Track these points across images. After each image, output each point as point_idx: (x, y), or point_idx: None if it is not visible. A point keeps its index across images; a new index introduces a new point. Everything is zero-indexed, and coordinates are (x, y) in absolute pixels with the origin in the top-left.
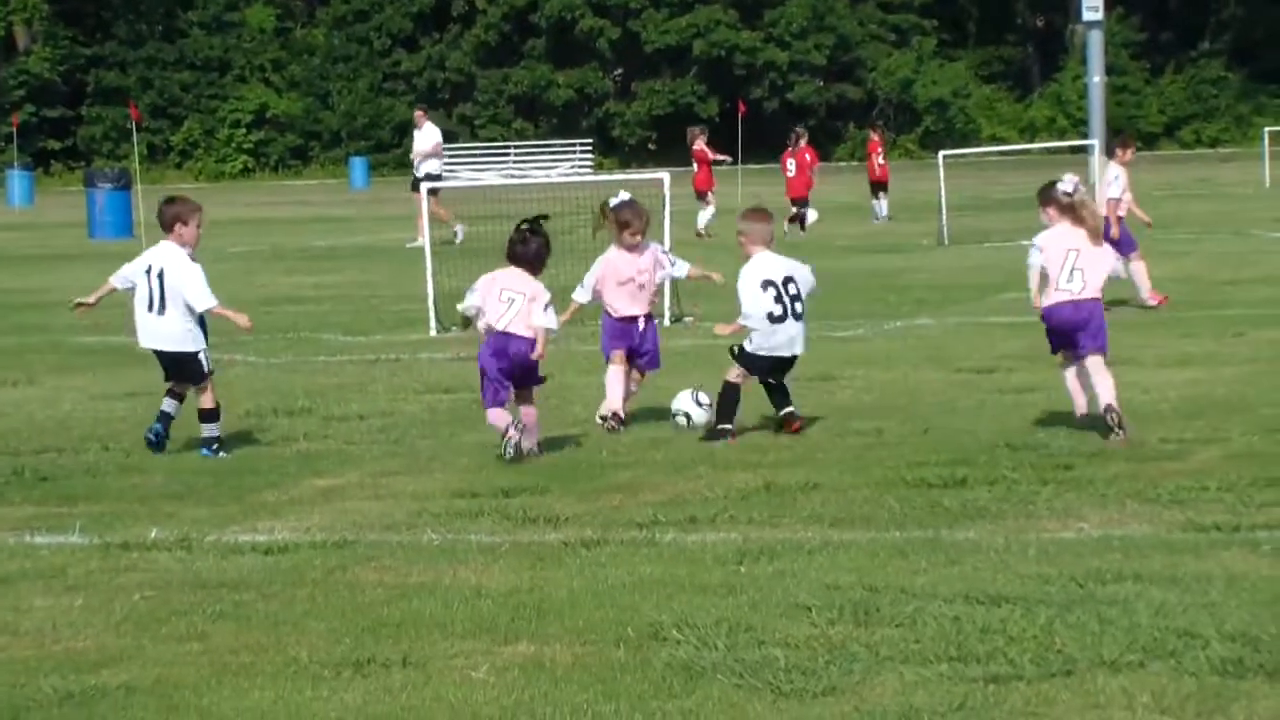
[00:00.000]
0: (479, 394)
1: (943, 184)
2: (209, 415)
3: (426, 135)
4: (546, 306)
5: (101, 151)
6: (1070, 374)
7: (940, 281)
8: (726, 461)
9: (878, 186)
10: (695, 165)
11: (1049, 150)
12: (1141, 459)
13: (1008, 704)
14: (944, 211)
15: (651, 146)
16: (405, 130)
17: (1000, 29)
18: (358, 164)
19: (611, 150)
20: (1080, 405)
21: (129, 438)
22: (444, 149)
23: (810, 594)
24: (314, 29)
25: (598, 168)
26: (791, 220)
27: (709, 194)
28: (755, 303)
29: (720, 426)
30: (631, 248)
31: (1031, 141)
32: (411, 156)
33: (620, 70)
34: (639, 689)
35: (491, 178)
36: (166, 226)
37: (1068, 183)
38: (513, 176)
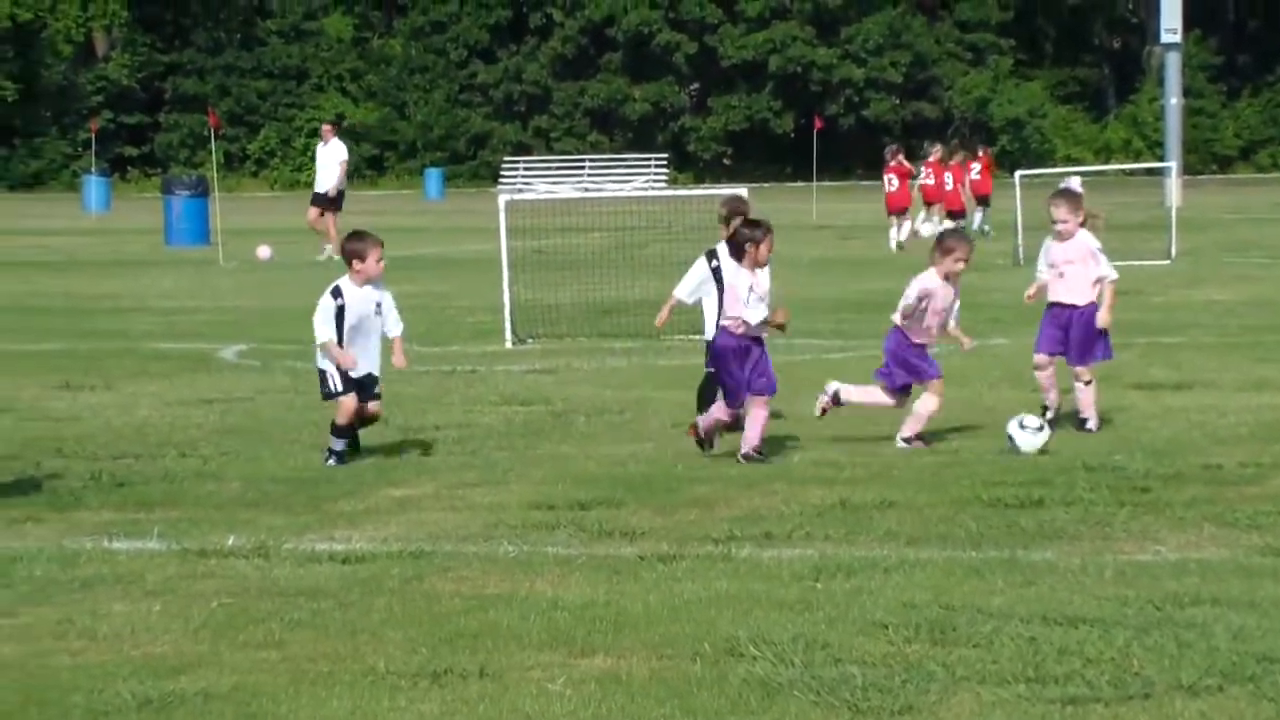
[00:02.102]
0: (553, 406)
1: (1019, 204)
2: (332, 429)
3: (332, 151)
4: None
5: (178, 158)
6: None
7: (1015, 301)
8: (802, 478)
9: (980, 200)
10: (893, 182)
11: (1126, 172)
12: (1219, 483)
13: None
14: (1020, 231)
15: (726, 161)
16: (482, 142)
17: (1077, 49)
18: (433, 175)
19: (686, 165)
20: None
21: (205, 444)
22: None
23: (887, 612)
24: (391, 39)
25: (672, 182)
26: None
27: (907, 210)
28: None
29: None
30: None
31: (1107, 163)
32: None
33: (696, 85)
34: (716, 704)
35: (567, 191)
36: (347, 262)
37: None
38: (588, 190)
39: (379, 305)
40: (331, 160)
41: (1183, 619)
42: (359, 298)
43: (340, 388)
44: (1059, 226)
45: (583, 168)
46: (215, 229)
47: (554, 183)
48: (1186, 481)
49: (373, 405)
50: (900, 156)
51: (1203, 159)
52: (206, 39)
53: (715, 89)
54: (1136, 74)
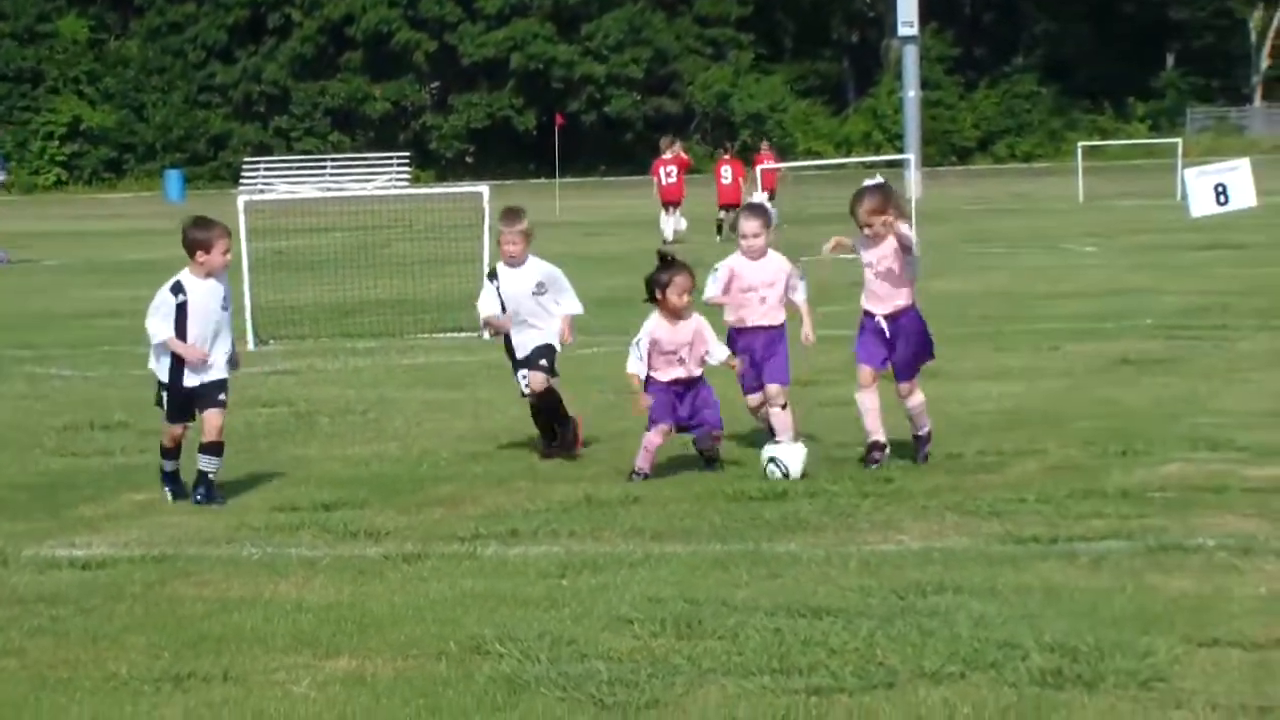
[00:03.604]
0: (296, 408)
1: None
2: (161, 450)
3: None
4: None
5: None
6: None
7: None
8: (547, 475)
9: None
10: (673, 174)
11: (866, 164)
12: (961, 471)
13: (830, 716)
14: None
15: (469, 159)
16: (222, 143)
17: (816, 44)
18: (173, 176)
19: (428, 163)
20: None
21: None
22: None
23: (632, 607)
24: (128, 40)
25: (414, 181)
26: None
27: (680, 203)
28: None
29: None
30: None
31: (847, 155)
32: None
33: (437, 83)
34: (461, 703)
35: (308, 191)
36: (189, 253)
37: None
38: (329, 190)
39: (225, 299)
40: None
41: (925, 607)
42: (204, 292)
43: (166, 410)
44: (752, 242)
45: (324, 168)
46: None
47: (295, 183)
48: (928, 471)
49: (213, 414)
50: (675, 148)
51: (942, 150)
52: None
53: (456, 87)
54: (875, 67)
